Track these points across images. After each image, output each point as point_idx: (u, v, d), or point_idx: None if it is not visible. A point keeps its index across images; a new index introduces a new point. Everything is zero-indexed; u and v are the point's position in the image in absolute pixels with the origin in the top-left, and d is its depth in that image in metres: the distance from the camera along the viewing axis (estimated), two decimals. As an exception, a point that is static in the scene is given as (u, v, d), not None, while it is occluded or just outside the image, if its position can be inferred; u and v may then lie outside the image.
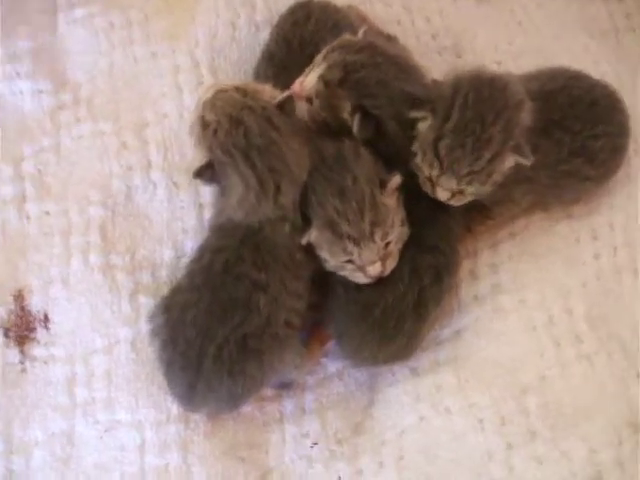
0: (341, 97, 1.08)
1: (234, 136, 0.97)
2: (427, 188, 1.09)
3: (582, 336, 1.15)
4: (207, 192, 1.24)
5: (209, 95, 1.02)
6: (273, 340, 1.01)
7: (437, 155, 1.03)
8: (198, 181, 1.08)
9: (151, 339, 1.06)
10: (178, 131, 1.29)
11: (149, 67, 1.35)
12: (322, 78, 1.08)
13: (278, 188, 0.99)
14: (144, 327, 1.13)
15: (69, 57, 1.37)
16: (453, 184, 1.05)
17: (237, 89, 1.01)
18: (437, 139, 1.02)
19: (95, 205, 1.26)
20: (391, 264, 1.05)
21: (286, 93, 1.02)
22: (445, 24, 1.41)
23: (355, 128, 1.08)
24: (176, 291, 1.05)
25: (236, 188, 0.99)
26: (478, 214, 1.20)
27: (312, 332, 1.17)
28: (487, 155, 1.01)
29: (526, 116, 1.04)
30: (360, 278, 1.05)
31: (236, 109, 0.98)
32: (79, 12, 1.39)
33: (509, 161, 1.04)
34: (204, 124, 0.99)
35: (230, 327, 0.98)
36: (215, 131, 0.98)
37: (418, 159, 1.06)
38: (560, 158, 1.14)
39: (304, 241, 1.02)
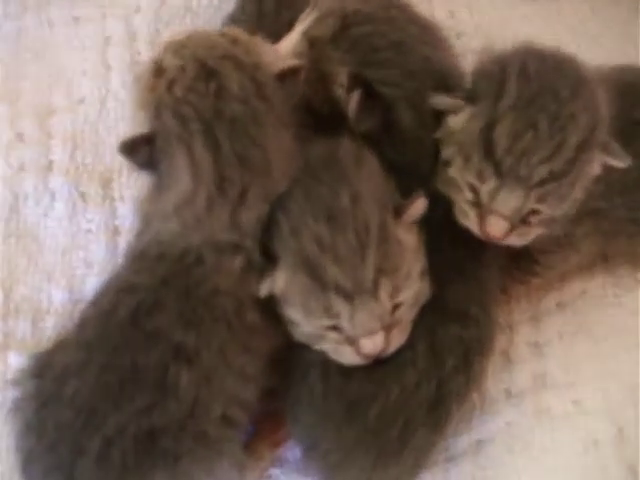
0: (333, 61, 0.89)
1: (199, 92, 0.76)
2: (469, 220, 0.87)
3: None
4: (127, 212, 1.07)
5: (178, 37, 0.84)
6: (198, 442, 0.81)
7: (491, 153, 0.81)
8: (115, 195, 1.04)
9: (11, 418, 0.84)
10: (96, 122, 1.12)
11: (68, 35, 1.20)
12: (307, 35, 0.90)
13: (244, 194, 0.78)
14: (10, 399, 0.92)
15: None
16: (519, 199, 0.82)
17: (224, 34, 0.83)
18: (488, 126, 0.81)
19: None
20: (398, 339, 0.85)
21: (295, 61, 0.84)
22: (475, 20, 1.26)
23: (351, 111, 0.89)
24: (58, 346, 0.86)
25: (180, 181, 0.78)
26: (518, 266, 1.02)
27: (260, 426, 0.97)
28: (574, 139, 0.80)
29: (604, 97, 0.86)
30: (347, 356, 0.84)
31: (213, 56, 0.78)
32: None
33: (597, 165, 0.85)
34: (158, 70, 0.79)
35: (129, 413, 0.78)
36: (172, 82, 0.77)
37: (454, 171, 0.86)
38: None
39: (264, 291, 0.81)
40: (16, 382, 0.85)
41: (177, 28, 1.18)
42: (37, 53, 1.19)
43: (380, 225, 0.80)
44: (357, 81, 0.89)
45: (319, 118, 0.93)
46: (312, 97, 0.93)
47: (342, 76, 0.90)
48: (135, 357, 0.80)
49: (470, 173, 0.84)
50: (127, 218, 1.07)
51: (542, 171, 0.81)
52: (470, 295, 0.91)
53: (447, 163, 0.87)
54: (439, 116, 0.89)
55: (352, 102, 0.89)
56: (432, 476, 0.96)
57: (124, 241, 1.05)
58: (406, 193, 0.86)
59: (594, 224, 0.96)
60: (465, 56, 1.14)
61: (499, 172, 0.82)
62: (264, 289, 0.82)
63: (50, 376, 0.83)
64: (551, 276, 1.05)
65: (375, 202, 0.82)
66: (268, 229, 0.83)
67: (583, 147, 0.82)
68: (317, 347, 0.86)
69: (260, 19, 1.04)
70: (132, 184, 1.08)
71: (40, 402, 0.82)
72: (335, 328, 0.82)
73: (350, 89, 0.89)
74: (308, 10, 0.94)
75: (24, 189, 1.10)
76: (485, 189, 0.84)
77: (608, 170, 0.87)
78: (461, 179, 0.86)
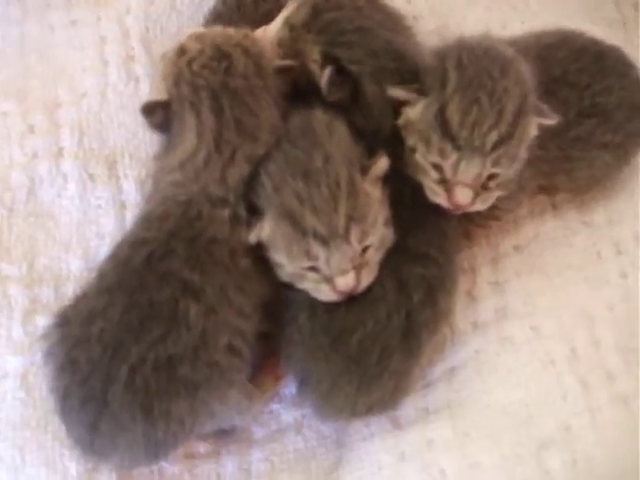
0: (307, 42, 0.95)
1: (212, 69, 0.88)
2: (439, 195, 0.93)
3: (614, 372, 1.02)
4: (131, 189, 1.12)
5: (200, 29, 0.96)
6: (211, 370, 0.86)
7: (448, 130, 0.88)
8: (120, 174, 1.06)
9: (44, 364, 0.89)
10: (99, 112, 1.16)
11: (68, 37, 1.23)
12: (287, 21, 0.97)
13: (233, 154, 0.88)
14: (40, 356, 0.95)
15: None
16: (478, 166, 0.89)
17: (238, 30, 0.93)
18: (441, 110, 0.89)
19: None
20: (368, 277, 0.90)
21: (290, 62, 0.94)
22: (429, 4, 1.31)
23: (324, 85, 0.94)
24: (80, 297, 0.90)
25: (186, 140, 0.88)
26: (479, 212, 1.01)
27: (262, 364, 1.01)
28: (510, 107, 0.88)
29: (527, 71, 0.93)
30: (325, 293, 0.89)
31: (228, 43, 0.90)
32: None
33: (534, 127, 0.92)
34: (181, 50, 0.90)
35: (148, 342, 0.84)
36: (192, 60, 0.88)
37: (419, 155, 0.92)
38: (568, 121, 1.01)
39: (253, 238, 0.87)
40: (44, 336, 0.90)
41: (164, 25, 1.22)
42: (41, 54, 1.22)
43: (349, 180, 0.86)
44: (328, 59, 0.94)
45: (297, 88, 0.97)
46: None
47: (315, 54, 0.95)
48: (151, 295, 0.85)
49: (432, 154, 0.90)
50: (131, 194, 1.12)
51: (492, 137, 0.87)
52: (430, 240, 0.96)
53: (412, 150, 0.93)
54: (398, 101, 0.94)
55: (324, 77, 0.94)
56: (412, 401, 1.02)
57: (130, 214, 1.10)
58: (372, 153, 0.91)
59: (536, 169, 1.03)
60: (423, 37, 1.16)
61: (457, 146, 0.88)
62: (253, 237, 0.88)
63: (77, 321, 0.87)
64: (508, 219, 1.11)
65: (344, 162, 0.87)
66: (253, 188, 0.89)
67: (519, 112, 0.88)
68: (299, 286, 0.91)
69: (240, 10, 1.09)
70: (134, 164, 1.13)
71: (70, 344, 0.86)
72: (314, 269, 0.87)
73: (323, 65, 0.94)
74: (290, 1, 0.99)
75: (39, 173, 1.13)
76: (448, 164, 0.90)
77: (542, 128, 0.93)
78: (425, 162, 0.91)
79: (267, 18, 1.01)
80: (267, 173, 0.87)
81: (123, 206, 1.12)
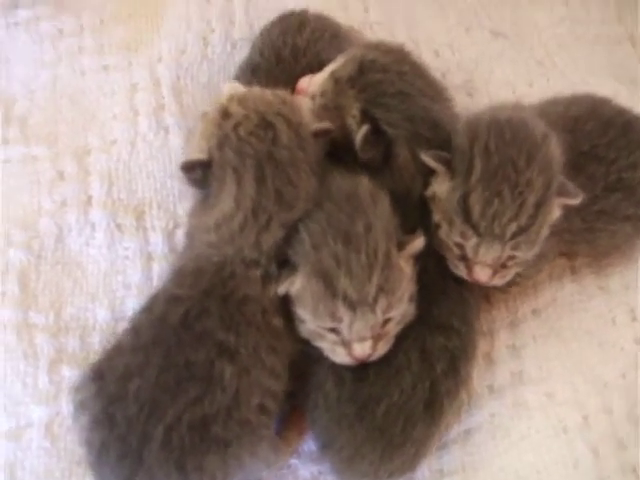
0: (349, 97, 0.97)
1: (259, 137, 0.87)
2: (460, 271, 0.96)
3: (625, 441, 1.01)
4: (158, 240, 1.12)
5: (239, 90, 0.95)
6: (242, 428, 0.87)
7: (469, 217, 0.90)
8: (147, 225, 1.06)
9: (76, 416, 0.88)
10: (128, 161, 1.16)
11: (99, 82, 1.23)
12: (333, 74, 0.98)
13: (269, 221, 0.88)
14: (65, 407, 0.99)
15: (5, 66, 1.25)
16: (497, 251, 0.91)
17: (275, 94, 0.93)
18: (464, 197, 0.90)
19: (16, 247, 1.12)
20: (383, 348, 0.91)
21: (327, 124, 0.94)
22: (456, 59, 1.32)
23: (358, 142, 0.95)
24: (115, 352, 0.90)
25: (224, 202, 0.88)
26: None
27: (287, 418, 1.02)
28: (532, 200, 0.89)
29: (557, 149, 0.94)
30: (340, 356, 0.90)
31: (271, 112, 0.89)
32: (23, 13, 1.29)
33: (557, 208, 0.93)
34: (225, 113, 0.90)
35: (184, 403, 0.84)
36: (238, 124, 0.88)
37: (443, 232, 0.94)
38: (594, 195, 1.02)
39: (282, 290, 0.88)
40: (78, 387, 0.89)
41: (195, 74, 1.21)
42: (72, 99, 1.21)
43: (386, 253, 0.86)
44: (366, 117, 0.96)
45: (333, 142, 0.97)
46: (331, 123, 0.97)
47: (355, 110, 0.97)
48: (187, 356, 0.85)
49: (455, 234, 0.92)
50: (158, 245, 1.11)
51: (511, 228, 0.89)
52: (453, 310, 0.96)
53: (437, 226, 0.94)
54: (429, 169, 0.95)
55: (360, 134, 0.95)
56: (427, 462, 1.00)
57: (157, 265, 1.10)
58: (400, 216, 0.91)
59: (559, 239, 1.02)
60: (450, 92, 1.15)
61: (478, 232, 0.90)
62: (283, 288, 0.88)
63: (112, 378, 0.87)
64: (528, 284, 1.11)
65: (384, 234, 0.88)
66: (290, 242, 0.89)
67: (541, 203, 0.89)
68: (315, 344, 0.91)
69: (278, 64, 1.10)
70: (162, 215, 1.12)
71: (106, 400, 0.86)
72: (334, 330, 0.88)
73: (360, 123, 0.96)
74: (340, 55, 1.01)
75: (67, 222, 1.13)
76: (469, 246, 0.91)
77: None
78: (449, 240, 0.93)
79: (306, 72, 1.03)
80: (307, 230, 0.87)
81: (150, 257, 1.11)
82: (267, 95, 0.92)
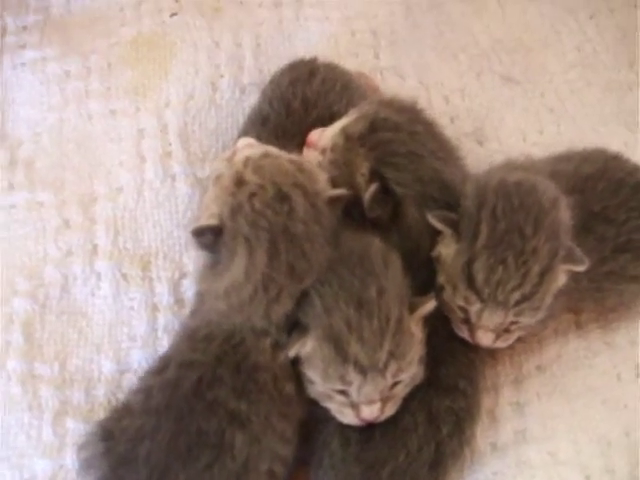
0: (359, 155, 0.96)
1: (274, 210, 0.85)
2: (463, 333, 0.95)
3: None
4: (164, 290, 1.11)
5: (254, 154, 0.91)
6: None
7: (473, 283, 0.90)
8: (153, 276, 1.05)
9: (82, 475, 0.88)
10: (134, 210, 1.16)
11: (106, 127, 1.23)
12: (344, 130, 0.98)
13: (279, 293, 0.86)
14: (69, 460, 0.98)
15: (11, 108, 1.25)
16: (500, 317, 0.91)
17: (292, 161, 0.91)
18: (469, 263, 0.90)
19: (21, 296, 1.11)
20: (391, 409, 0.90)
21: (342, 191, 0.92)
22: (466, 105, 1.31)
23: (366, 200, 0.95)
24: (124, 413, 0.89)
25: (234, 272, 0.86)
26: None
27: (293, 474, 0.98)
28: (537, 268, 0.88)
29: (566, 214, 0.93)
30: (347, 417, 0.90)
31: (287, 182, 0.87)
32: (30, 54, 1.30)
33: (562, 275, 0.92)
34: (239, 181, 0.87)
35: (196, 470, 0.83)
36: (253, 195, 0.86)
37: (447, 295, 0.93)
38: (603, 256, 1.02)
39: (292, 352, 0.87)
40: (85, 445, 0.89)
41: (203, 121, 1.21)
42: (78, 144, 1.21)
43: (398, 318, 0.86)
44: (376, 175, 0.95)
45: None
46: (338, 179, 0.97)
47: (364, 169, 0.96)
48: (199, 423, 0.85)
49: (459, 298, 0.92)
50: (164, 296, 1.10)
51: (515, 296, 0.88)
52: (459, 371, 0.96)
53: (441, 288, 0.94)
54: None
55: (368, 192, 0.95)
56: None
57: (162, 317, 1.09)
58: (408, 273, 0.90)
59: (567, 297, 1.00)
60: (459, 139, 1.20)
61: (481, 298, 0.89)
62: (293, 351, 0.87)
63: (122, 439, 0.86)
64: (533, 340, 1.09)
65: (396, 298, 0.87)
66: (300, 304, 0.88)
67: (546, 271, 0.89)
68: (323, 404, 0.91)
69: (288, 116, 1.09)
70: (168, 265, 1.12)
71: (115, 461, 0.85)
72: (343, 392, 0.87)
73: (369, 181, 0.95)
74: (352, 110, 1.01)
75: (73, 271, 1.12)
76: (472, 310, 0.91)
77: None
78: (452, 303, 0.93)
79: (317, 124, 1.03)
80: (319, 294, 0.87)
81: (155, 308, 1.11)
82: (283, 162, 0.90)
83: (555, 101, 1.33)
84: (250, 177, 0.87)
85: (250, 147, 0.95)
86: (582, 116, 1.31)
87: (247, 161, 0.89)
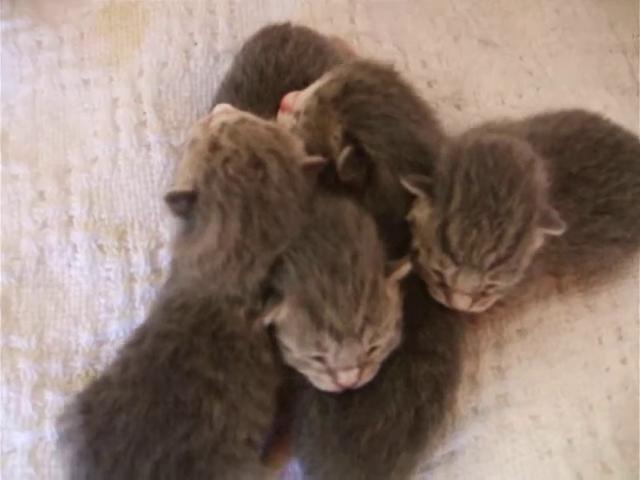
0: (332, 117, 0.95)
1: (248, 176, 0.84)
2: (439, 297, 0.95)
3: (610, 465, 1.01)
4: (141, 261, 1.10)
5: (231, 119, 0.89)
6: (227, 462, 0.86)
7: (447, 247, 0.89)
8: (129, 246, 1.04)
9: (61, 447, 0.87)
10: (109, 180, 1.14)
11: (79, 98, 1.21)
12: (318, 93, 0.96)
13: (252, 261, 0.86)
14: (49, 432, 0.99)
15: None
16: (476, 281, 0.90)
17: (268, 128, 0.89)
18: (443, 226, 0.89)
19: None
20: (368, 375, 0.90)
21: (318, 158, 0.91)
22: (444, 69, 1.30)
23: (340, 163, 0.94)
24: (102, 385, 0.89)
25: (207, 239, 0.86)
26: None
27: (274, 440, 1.00)
28: (511, 230, 0.87)
29: (542, 176, 0.92)
30: (325, 383, 0.89)
31: (262, 148, 0.86)
32: (0, 26, 1.25)
33: (539, 238, 0.91)
34: (215, 146, 0.86)
35: (173, 440, 0.83)
36: (227, 160, 0.84)
37: (421, 259, 0.93)
38: (583, 218, 1.02)
39: (268, 319, 0.87)
40: (63, 417, 0.89)
41: (177, 89, 1.19)
42: (52, 115, 1.19)
43: (372, 282, 0.85)
44: (349, 138, 0.94)
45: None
46: (311, 142, 0.96)
47: (337, 132, 0.95)
48: (176, 393, 0.85)
49: (433, 262, 0.91)
50: (141, 266, 1.09)
51: (490, 258, 0.88)
52: (437, 336, 0.96)
53: (416, 252, 0.93)
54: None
55: (342, 155, 0.93)
56: None
57: (139, 287, 1.08)
58: (383, 237, 0.90)
59: (546, 260, 1.01)
60: (437, 103, 1.20)
61: (456, 261, 0.89)
62: (268, 318, 0.87)
63: (100, 411, 0.86)
64: (513, 305, 1.09)
65: (371, 262, 0.86)
66: (275, 271, 0.87)
67: (521, 234, 0.88)
68: (301, 371, 0.90)
69: (262, 82, 1.07)
70: (144, 235, 1.10)
71: (92, 434, 0.85)
72: (320, 359, 0.87)
73: (342, 144, 0.94)
74: (325, 73, 1.00)
75: (48, 243, 1.11)
76: (447, 274, 0.91)
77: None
78: (427, 267, 0.92)
79: (291, 89, 1.02)
80: (293, 260, 0.86)
81: (132, 279, 1.10)
82: (260, 129, 0.89)
83: (534, 64, 1.33)
84: (225, 142, 0.86)
85: (227, 113, 0.93)
86: (562, 79, 1.30)
87: (223, 126, 0.88)
